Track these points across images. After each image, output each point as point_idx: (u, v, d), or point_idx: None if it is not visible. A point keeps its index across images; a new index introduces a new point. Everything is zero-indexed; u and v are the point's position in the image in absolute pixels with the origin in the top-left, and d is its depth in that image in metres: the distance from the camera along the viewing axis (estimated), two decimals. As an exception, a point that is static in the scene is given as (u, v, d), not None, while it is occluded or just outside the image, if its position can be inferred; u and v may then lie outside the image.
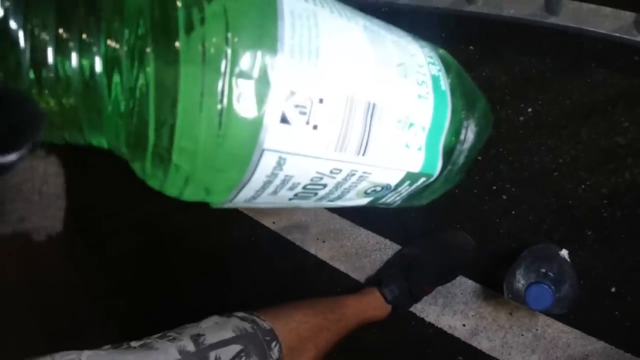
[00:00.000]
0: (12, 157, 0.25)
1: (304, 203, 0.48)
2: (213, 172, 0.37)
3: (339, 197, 0.47)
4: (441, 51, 0.51)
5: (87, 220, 2.10)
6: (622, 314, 0.96)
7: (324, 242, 1.30)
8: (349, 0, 0.42)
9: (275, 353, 0.79)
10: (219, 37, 0.30)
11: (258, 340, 0.78)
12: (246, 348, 0.74)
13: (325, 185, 0.44)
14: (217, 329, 0.75)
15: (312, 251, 1.31)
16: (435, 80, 0.46)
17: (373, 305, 1.06)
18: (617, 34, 0.92)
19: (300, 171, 0.39)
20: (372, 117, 0.40)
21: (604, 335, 0.98)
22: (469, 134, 0.53)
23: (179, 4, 0.30)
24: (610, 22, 0.93)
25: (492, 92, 1.09)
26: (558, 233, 1.03)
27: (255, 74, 0.32)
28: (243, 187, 0.39)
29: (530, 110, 1.06)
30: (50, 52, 0.29)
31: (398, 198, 0.58)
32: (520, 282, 0.88)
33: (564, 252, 0.89)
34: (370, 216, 1.23)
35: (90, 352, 0.61)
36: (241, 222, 1.45)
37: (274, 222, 1.39)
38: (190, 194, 0.41)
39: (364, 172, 0.43)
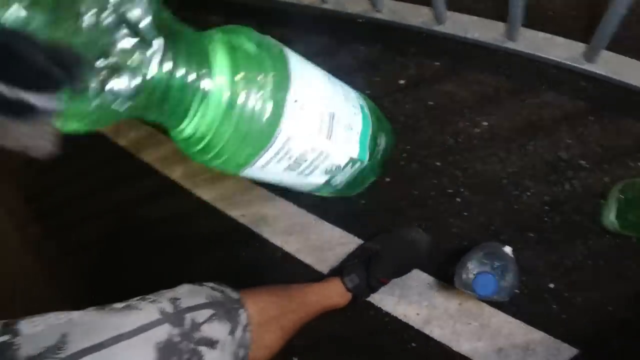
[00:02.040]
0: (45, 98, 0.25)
1: (288, 176, 0.76)
2: (244, 145, 0.64)
3: (311, 172, 0.77)
4: (363, 95, 0.92)
5: (47, 207, 1.95)
6: (560, 308, 0.97)
7: (290, 235, 1.23)
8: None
9: (243, 319, 0.75)
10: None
11: (227, 307, 0.74)
12: (217, 313, 0.71)
13: (306, 160, 0.73)
14: (191, 295, 0.72)
15: (279, 244, 1.24)
16: (362, 106, 0.85)
17: (335, 293, 1.01)
18: (567, 62, 0.93)
19: (296, 146, 0.68)
20: (333, 120, 0.74)
21: (544, 326, 0.97)
22: (381, 140, 0.93)
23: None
24: (562, 51, 0.93)
25: (453, 105, 1.08)
26: (504, 234, 1.02)
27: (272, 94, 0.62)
28: (261, 157, 0.66)
29: (485, 123, 1.05)
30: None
31: (343, 179, 0.88)
32: (470, 273, 0.86)
33: (508, 249, 0.89)
34: (335, 212, 1.19)
35: (80, 312, 0.61)
36: (209, 214, 1.37)
37: (242, 215, 1.32)
38: (218, 161, 0.66)
39: (328, 153, 0.75)
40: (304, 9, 1.28)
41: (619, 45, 0.95)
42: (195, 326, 0.67)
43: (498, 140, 1.03)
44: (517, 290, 0.99)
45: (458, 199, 1.05)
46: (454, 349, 1.04)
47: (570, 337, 0.95)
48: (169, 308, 0.66)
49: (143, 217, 1.52)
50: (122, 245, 1.56)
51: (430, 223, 1.08)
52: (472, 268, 0.86)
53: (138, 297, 0.67)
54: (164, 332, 0.62)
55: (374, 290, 1.05)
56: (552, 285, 0.97)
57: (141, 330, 0.61)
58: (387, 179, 1.12)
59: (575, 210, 0.96)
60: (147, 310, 0.64)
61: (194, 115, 0.60)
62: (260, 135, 0.63)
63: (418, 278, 1.08)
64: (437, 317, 1.05)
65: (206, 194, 1.39)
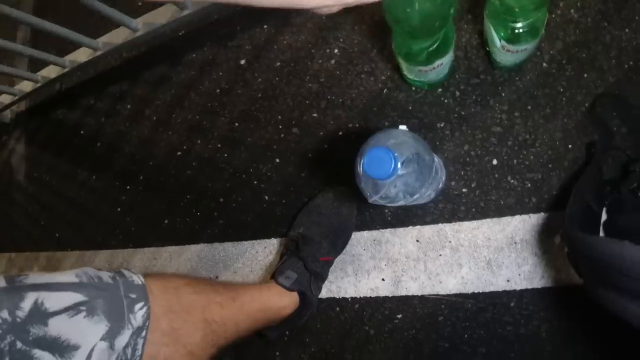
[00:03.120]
0: None
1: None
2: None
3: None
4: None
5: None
6: (516, 181, 0.76)
7: (217, 277, 0.98)
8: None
9: (137, 318, 0.48)
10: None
11: (116, 295, 0.47)
12: (91, 302, 0.44)
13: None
14: (54, 273, 0.45)
15: (213, 296, 1.01)
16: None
17: (274, 296, 0.74)
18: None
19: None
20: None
21: (513, 210, 0.75)
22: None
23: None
24: None
25: (299, 54, 0.93)
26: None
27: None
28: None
29: (336, 51, 0.89)
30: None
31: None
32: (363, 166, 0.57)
33: (403, 127, 0.67)
34: (244, 227, 0.95)
35: None
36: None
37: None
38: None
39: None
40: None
41: None
42: (39, 316, 0.41)
43: (356, 57, 0.86)
44: (444, 185, 0.77)
45: (353, 136, 0.86)
46: (442, 293, 0.79)
47: (547, 204, 0.73)
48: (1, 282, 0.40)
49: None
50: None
51: (338, 178, 0.87)
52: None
53: None
54: None
55: (320, 275, 0.79)
56: (495, 162, 0.76)
57: None
58: (277, 160, 0.93)
59: (472, 73, 0.79)
60: None
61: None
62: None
63: (361, 240, 0.84)
64: (404, 269, 0.81)
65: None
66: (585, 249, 0.53)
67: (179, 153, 1.02)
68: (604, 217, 0.63)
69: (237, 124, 0.95)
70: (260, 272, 0.92)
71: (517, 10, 0.60)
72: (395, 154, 0.52)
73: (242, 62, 0.95)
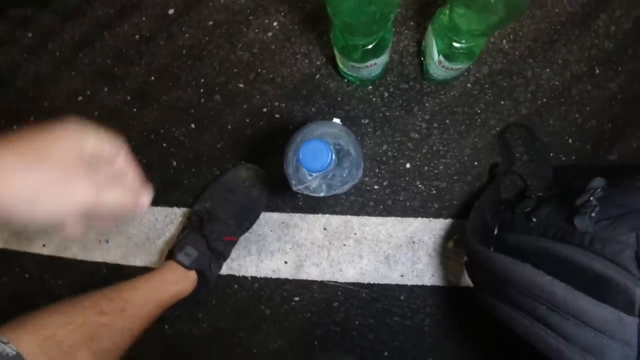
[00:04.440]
0: None
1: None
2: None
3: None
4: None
5: None
6: (424, 186, 0.77)
7: (107, 242, 0.86)
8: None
9: None
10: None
11: None
12: None
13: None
14: None
15: (99, 258, 0.87)
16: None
17: (171, 279, 0.65)
18: None
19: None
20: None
21: (417, 212, 0.75)
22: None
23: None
24: None
25: (235, 17, 0.79)
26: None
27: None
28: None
29: (275, 24, 0.77)
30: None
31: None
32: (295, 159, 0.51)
33: (337, 120, 0.63)
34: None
35: None
36: (8, 263, 0.93)
37: (43, 245, 0.91)
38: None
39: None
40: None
41: None
42: None
43: (295, 36, 0.79)
44: (360, 178, 0.76)
45: (277, 115, 0.79)
46: (341, 282, 0.77)
47: (445, 211, 0.75)
48: None
49: None
50: None
51: (255, 156, 0.80)
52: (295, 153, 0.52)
53: None
54: None
55: (222, 255, 0.71)
56: (408, 165, 0.76)
57: None
58: (192, 125, 0.82)
59: (403, 78, 0.77)
60: None
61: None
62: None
63: (269, 221, 0.78)
64: (308, 255, 0.77)
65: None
66: (486, 262, 0.54)
67: (80, 98, 0.84)
68: (495, 232, 0.66)
69: (153, 78, 0.81)
70: (157, 242, 0.81)
71: (463, 31, 0.58)
72: (331, 148, 0.47)
73: (171, 11, 0.80)
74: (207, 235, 0.68)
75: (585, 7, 0.67)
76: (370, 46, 0.60)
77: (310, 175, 0.51)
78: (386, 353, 0.75)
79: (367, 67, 0.65)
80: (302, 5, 0.77)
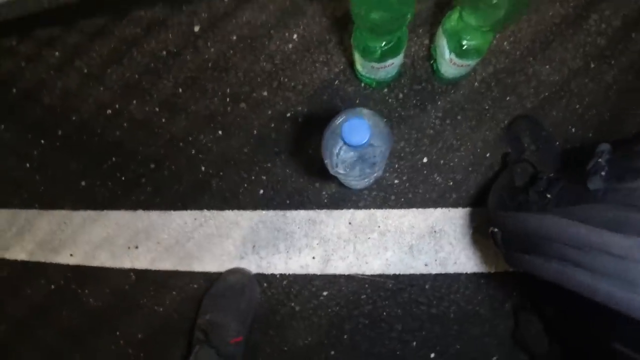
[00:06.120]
0: None
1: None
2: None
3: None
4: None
5: None
6: (441, 178, 0.83)
7: (137, 247, 0.89)
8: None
9: None
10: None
11: None
12: None
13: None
14: None
15: (128, 265, 0.91)
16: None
17: None
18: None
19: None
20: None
21: (436, 203, 0.80)
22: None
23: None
24: None
25: (257, 32, 0.87)
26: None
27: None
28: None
29: (295, 36, 0.84)
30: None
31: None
32: (334, 138, 0.57)
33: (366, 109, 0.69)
34: (174, 197, 0.87)
35: None
36: (32, 275, 0.96)
37: (71, 255, 0.94)
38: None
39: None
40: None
41: None
42: None
43: (313, 46, 0.87)
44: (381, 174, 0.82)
45: (300, 119, 0.86)
46: (367, 274, 0.81)
47: (464, 200, 0.81)
48: None
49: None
50: None
51: (280, 157, 0.86)
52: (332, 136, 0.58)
53: None
54: None
55: (234, 356, 0.76)
56: (425, 160, 0.82)
57: None
58: (219, 132, 0.87)
59: (416, 80, 0.84)
60: None
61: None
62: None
63: (297, 219, 0.82)
64: (334, 249, 0.82)
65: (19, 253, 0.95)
66: (512, 223, 0.60)
67: (109, 111, 0.90)
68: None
69: (180, 90, 0.88)
70: (187, 245, 0.85)
71: (472, 28, 0.66)
72: (370, 124, 0.54)
73: (196, 28, 0.89)
74: (215, 345, 0.74)
75: (577, 8, 0.77)
76: (389, 45, 0.68)
77: (349, 154, 0.57)
78: (414, 343, 0.79)
79: (385, 67, 0.73)
80: (319, 19, 0.85)
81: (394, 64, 0.74)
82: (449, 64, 0.73)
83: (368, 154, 0.59)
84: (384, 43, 0.68)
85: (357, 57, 0.74)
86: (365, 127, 0.52)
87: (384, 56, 0.70)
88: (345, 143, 0.53)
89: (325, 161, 0.59)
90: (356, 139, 0.52)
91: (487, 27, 0.64)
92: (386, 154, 0.61)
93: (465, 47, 0.69)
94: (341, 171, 0.59)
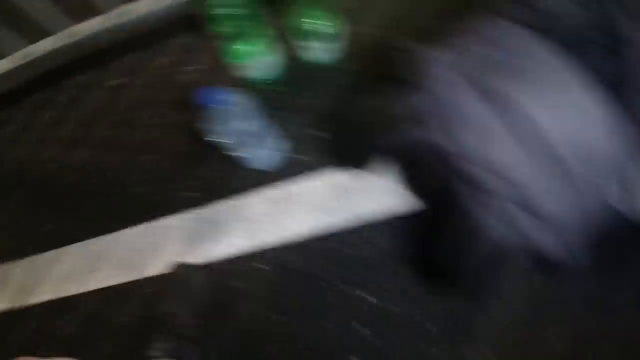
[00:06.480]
0: None
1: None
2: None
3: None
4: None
5: None
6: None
7: (95, 271, 1.01)
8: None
9: None
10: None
11: None
12: None
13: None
14: None
15: (93, 287, 1.00)
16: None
17: None
18: None
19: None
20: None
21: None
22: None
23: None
24: None
25: None
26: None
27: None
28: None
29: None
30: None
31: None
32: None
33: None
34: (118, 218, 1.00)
35: None
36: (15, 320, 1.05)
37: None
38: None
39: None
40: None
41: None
42: None
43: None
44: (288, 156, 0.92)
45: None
46: (296, 241, 0.88)
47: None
48: None
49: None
50: None
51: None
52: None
53: None
54: None
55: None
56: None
57: None
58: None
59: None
60: None
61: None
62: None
63: (222, 209, 0.93)
64: (260, 226, 0.89)
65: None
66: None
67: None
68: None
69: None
70: (137, 257, 0.95)
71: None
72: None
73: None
74: (174, 335, 0.82)
75: None
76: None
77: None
78: (357, 291, 0.84)
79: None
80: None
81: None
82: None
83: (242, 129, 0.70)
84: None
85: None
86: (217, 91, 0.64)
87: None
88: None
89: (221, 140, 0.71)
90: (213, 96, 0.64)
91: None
92: (265, 129, 0.73)
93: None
94: (221, 139, 0.70)
